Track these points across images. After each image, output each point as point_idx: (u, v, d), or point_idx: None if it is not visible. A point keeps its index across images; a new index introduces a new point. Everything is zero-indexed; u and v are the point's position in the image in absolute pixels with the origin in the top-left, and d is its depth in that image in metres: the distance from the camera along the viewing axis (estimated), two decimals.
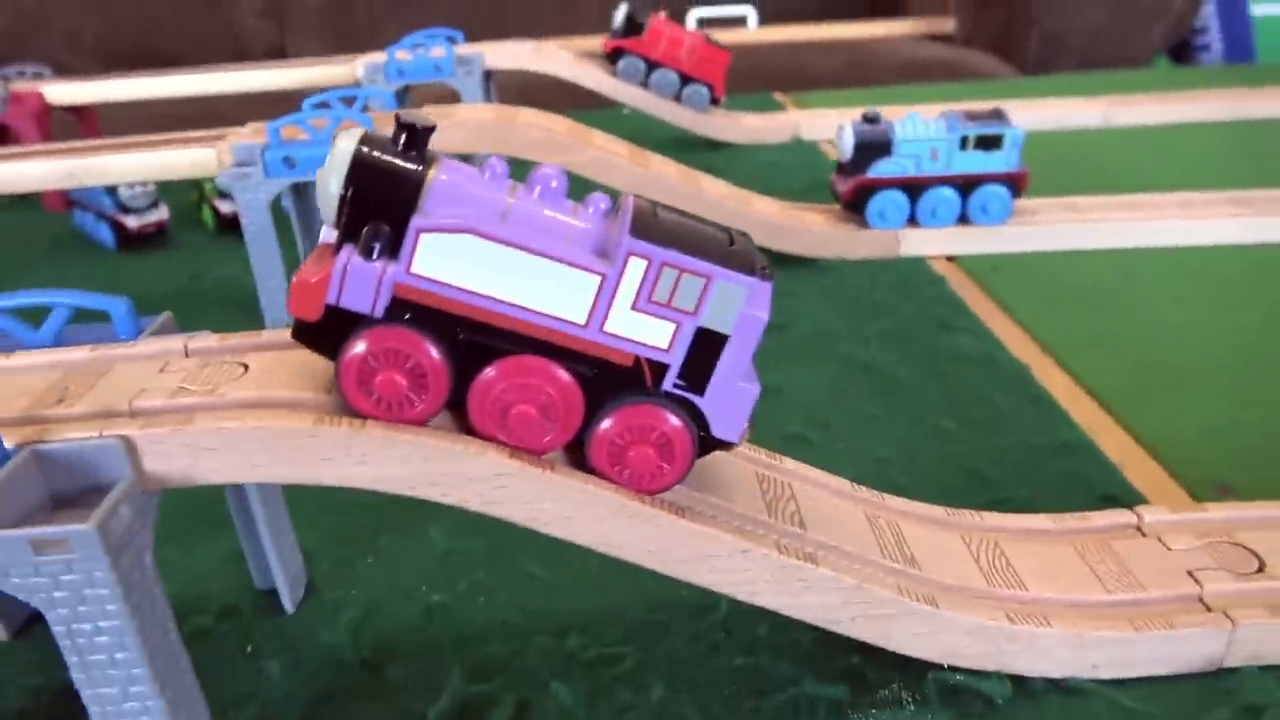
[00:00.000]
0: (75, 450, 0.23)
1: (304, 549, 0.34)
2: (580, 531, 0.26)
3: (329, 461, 0.25)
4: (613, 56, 0.84)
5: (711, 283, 0.24)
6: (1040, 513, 0.33)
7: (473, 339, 0.25)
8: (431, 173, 0.25)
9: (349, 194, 0.24)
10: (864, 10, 1.94)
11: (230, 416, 0.24)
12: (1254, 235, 0.59)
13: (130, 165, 0.53)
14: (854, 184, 0.56)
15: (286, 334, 0.26)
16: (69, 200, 0.73)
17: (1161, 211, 0.59)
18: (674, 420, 0.25)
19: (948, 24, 1.79)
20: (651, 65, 0.84)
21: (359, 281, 0.24)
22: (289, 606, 0.33)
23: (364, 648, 0.31)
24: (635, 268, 0.24)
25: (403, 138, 0.24)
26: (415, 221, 0.24)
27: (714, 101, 0.85)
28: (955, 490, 0.36)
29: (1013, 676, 0.28)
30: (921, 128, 0.56)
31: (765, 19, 1.85)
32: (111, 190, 0.69)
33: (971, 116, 0.56)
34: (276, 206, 0.53)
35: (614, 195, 0.26)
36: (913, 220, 0.57)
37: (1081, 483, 0.37)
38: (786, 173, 0.78)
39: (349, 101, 0.56)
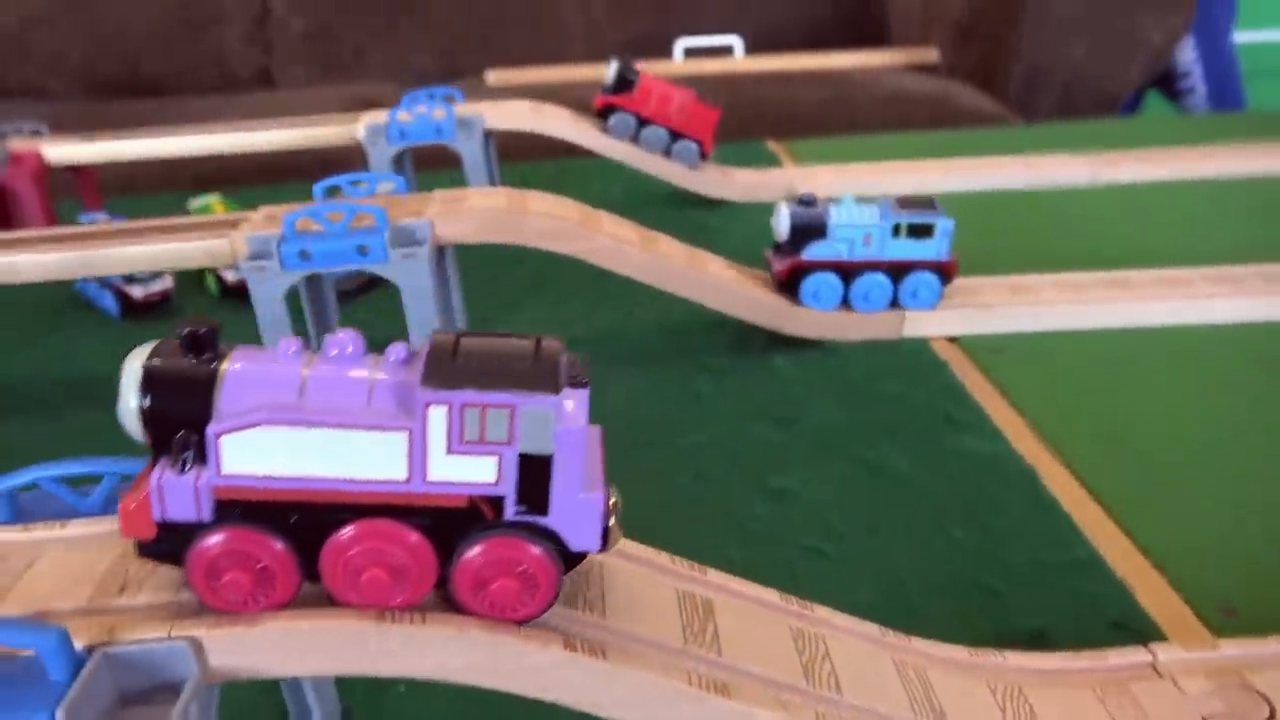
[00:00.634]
0: (145, 652, 0.24)
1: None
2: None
3: (391, 657, 0.25)
4: (604, 113, 0.85)
5: (516, 411, 0.24)
6: (1055, 640, 0.34)
7: (307, 519, 0.25)
8: (223, 367, 0.25)
9: (147, 409, 0.25)
10: (847, 40, 1.96)
11: (296, 615, 0.25)
12: (1246, 314, 0.60)
13: (143, 255, 0.52)
14: (789, 264, 0.57)
15: None
16: None
17: (1155, 290, 0.61)
18: (531, 548, 0.25)
19: (931, 54, 1.81)
20: (642, 121, 0.84)
21: (176, 495, 0.24)
22: None
23: None
24: (436, 416, 0.24)
25: (189, 345, 0.25)
26: (210, 428, 0.24)
27: (703, 156, 0.86)
28: (970, 613, 0.37)
29: None
30: (856, 213, 0.57)
31: (751, 48, 1.87)
32: None
33: (905, 204, 0.57)
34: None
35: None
36: (846, 303, 0.58)
37: (1093, 605, 0.37)
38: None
39: (360, 184, 0.59)
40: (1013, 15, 1.55)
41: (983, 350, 0.57)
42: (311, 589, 0.26)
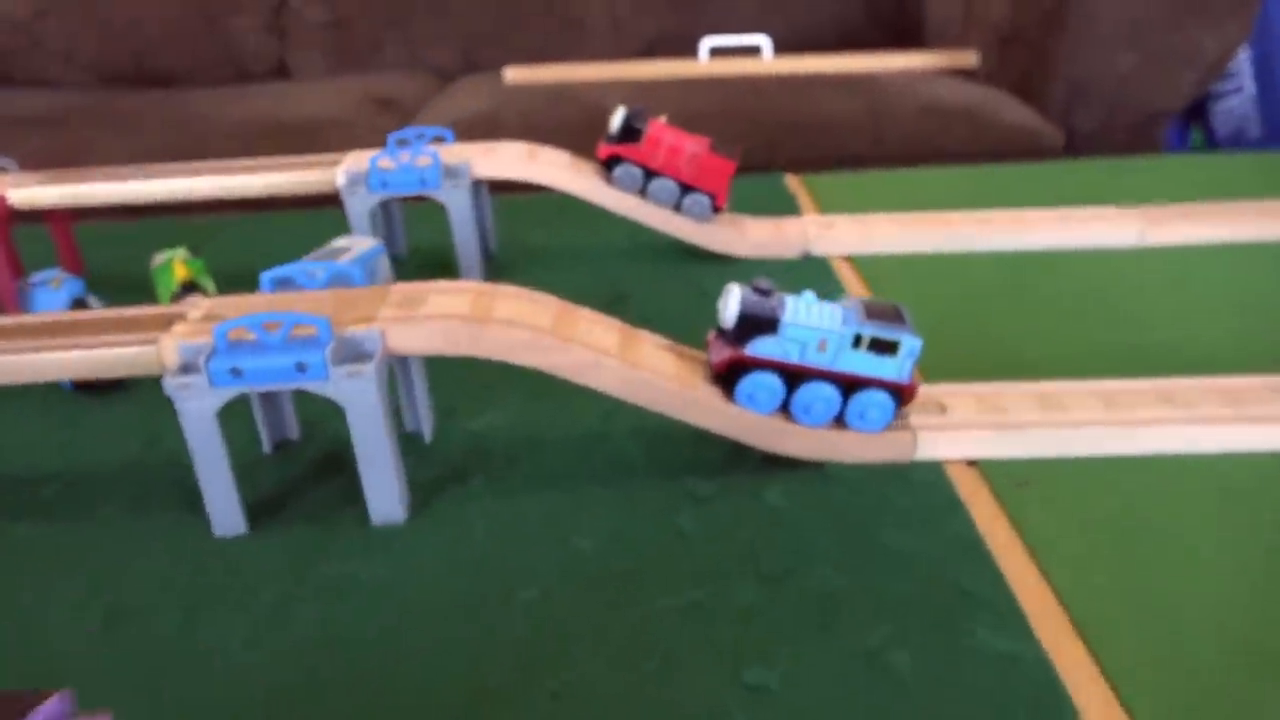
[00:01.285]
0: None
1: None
2: None
3: None
4: (609, 163, 0.77)
5: None
6: None
7: None
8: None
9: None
10: (882, 40, 1.85)
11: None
12: None
13: (65, 362, 0.47)
14: (730, 357, 0.50)
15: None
16: None
17: (1206, 413, 0.53)
18: None
19: (970, 58, 1.70)
20: (650, 173, 0.77)
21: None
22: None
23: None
24: None
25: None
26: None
27: (715, 210, 0.79)
28: None
29: None
30: (815, 314, 0.50)
31: (780, 48, 1.77)
32: None
33: (872, 312, 0.50)
34: None
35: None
36: (785, 410, 0.51)
37: None
38: None
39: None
40: (1055, 24, 1.45)
41: (1007, 482, 0.50)
42: None
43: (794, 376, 0.50)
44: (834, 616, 0.41)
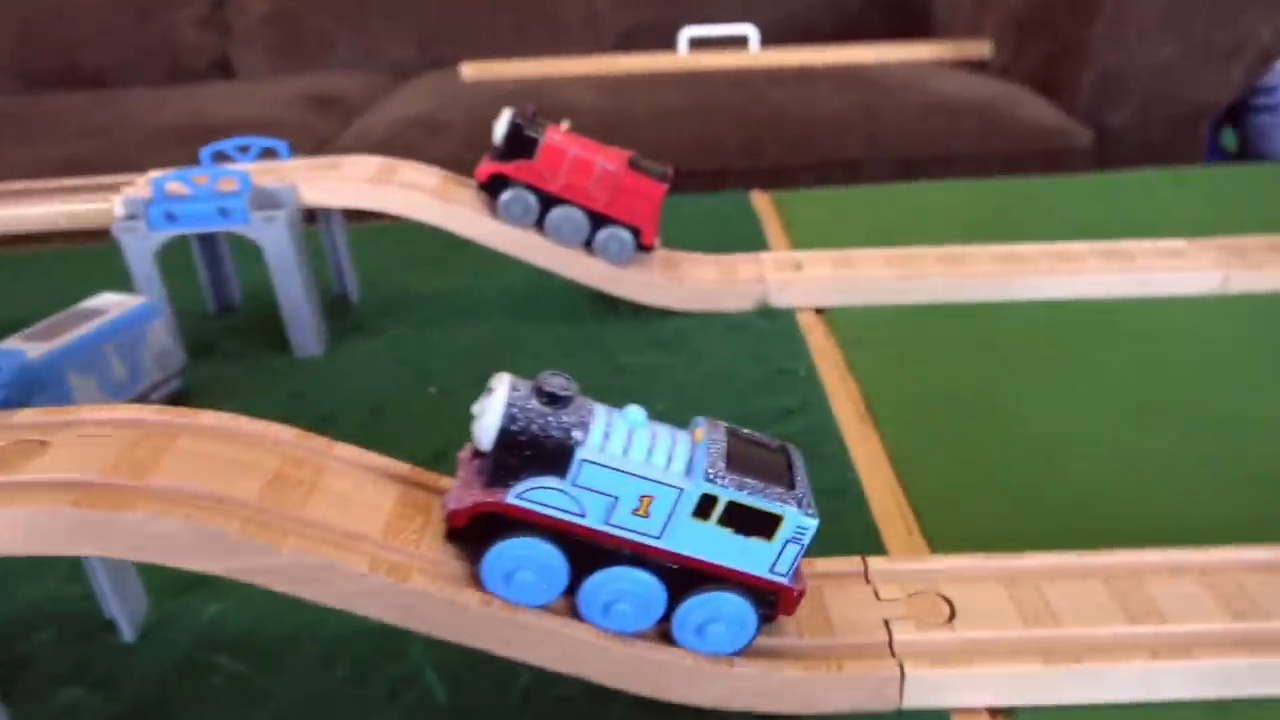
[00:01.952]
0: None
1: None
2: None
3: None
4: (492, 186, 0.55)
5: None
6: None
7: None
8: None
9: None
10: (884, 30, 1.62)
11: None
12: None
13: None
14: (478, 504, 0.28)
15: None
16: None
17: None
18: None
19: (982, 48, 1.46)
20: (548, 199, 0.55)
21: None
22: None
23: None
24: None
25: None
26: None
27: (642, 248, 0.56)
28: None
29: None
30: (638, 446, 0.28)
31: (768, 39, 1.54)
32: None
33: (742, 458, 0.28)
34: None
35: None
36: (570, 595, 0.29)
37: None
38: (736, 385, 0.49)
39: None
40: (1084, 9, 1.21)
41: None
42: None
43: (588, 552, 0.28)
44: None
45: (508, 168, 0.54)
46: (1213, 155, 1.38)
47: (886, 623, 0.30)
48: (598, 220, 0.55)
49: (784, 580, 0.28)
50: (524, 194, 0.54)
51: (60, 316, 0.46)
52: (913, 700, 0.29)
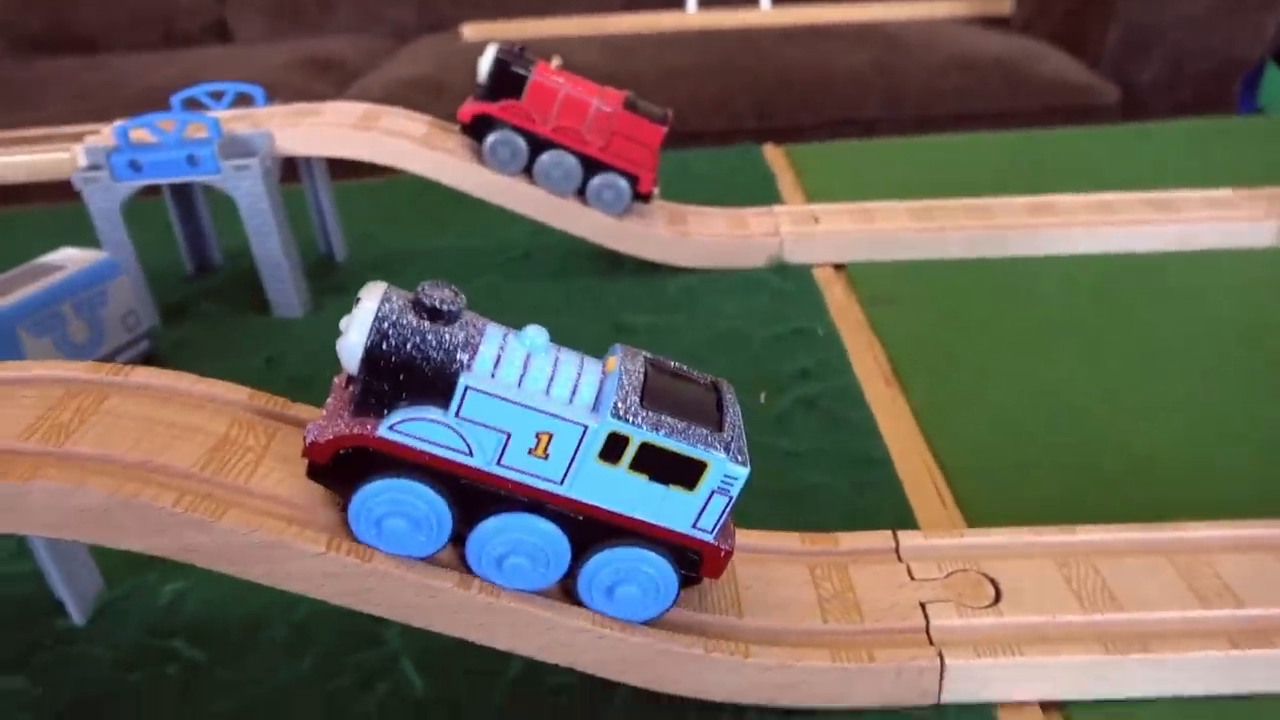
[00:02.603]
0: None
1: None
2: None
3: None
4: (476, 128, 0.51)
5: None
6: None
7: None
8: None
9: None
10: None
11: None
12: None
13: None
14: (343, 436, 0.23)
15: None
16: None
17: None
18: None
19: (1003, 3, 1.41)
20: (537, 143, 0.51)
21: None
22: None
23: None
24: None
25: None
26: None
27: (640, 197, 0.52)
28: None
29: None
30: (537, 376, 0.24)
31: None
32: None
33: (660, 393, 0.24)
34: None
35: None
36: (457, 546, 0.25)
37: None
38: (750, 347, 0.45)
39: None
40: None
41: None
42: None
43: (477, 496, 0.24)
44: None
45: (493, 108, 0.50)
46: (1245, 112, 1.32)
47: (923, 606, 0.27)
48: (591, 166, 0.51)
49: (708, 538, 0.24)
50: (511, 136, 0.50)
51: (13, 273, 0.42)
52: (953, 694, 0.26)
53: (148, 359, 0.46)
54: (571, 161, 0.50)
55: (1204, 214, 0.53)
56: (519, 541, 0.24)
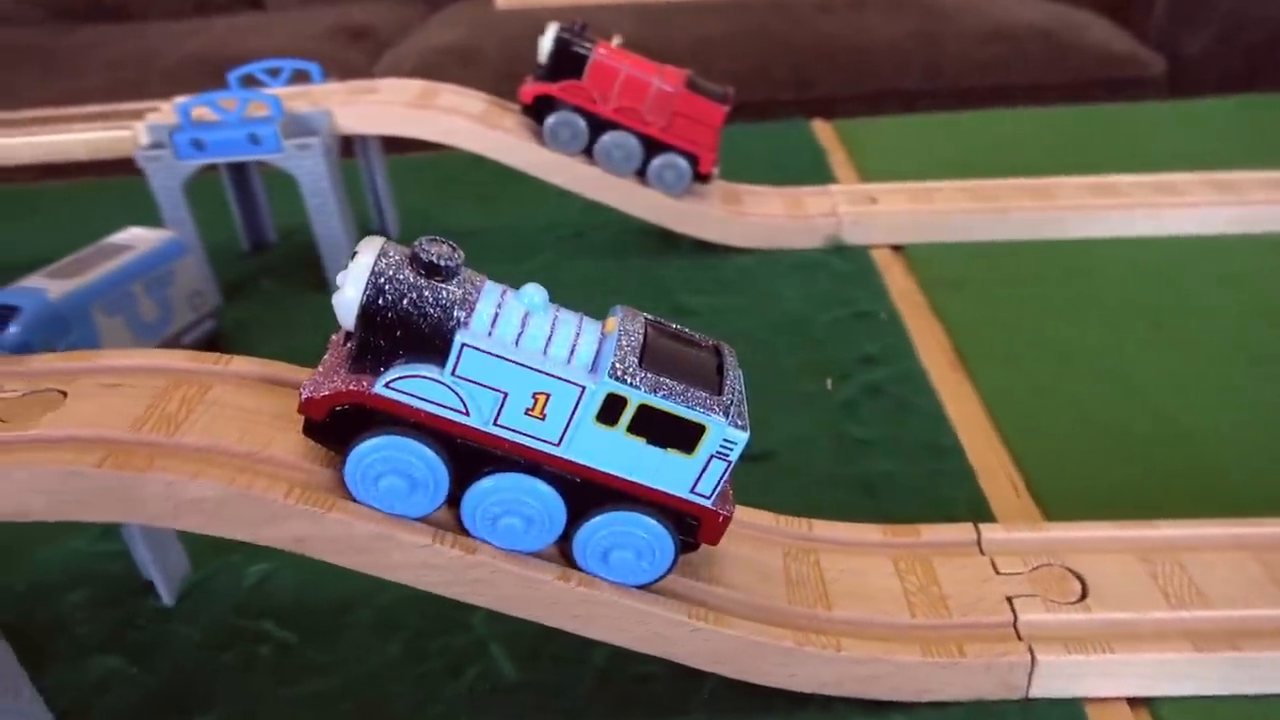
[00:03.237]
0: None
1: None
2: None
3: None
4: (537, 109, 0.51)
5: None
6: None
7: None
8: None
9: None
10: None
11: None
12: None
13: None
14: (340, 392, 0.23)
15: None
16: None
17: None
18: None
19: None
20: (598, 123, 0.51)
21: None
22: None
23: None
24: None
25: None
26: None
27: (700, 178, 0.52)
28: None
29: None
30: (534, 335, 0.23)
31: None
32: None
33: (659, 355, 0.24)
34: None
35: None
36: (453, 507, 0.24)
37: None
38: (811, 330, 0.45)
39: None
40: None
41: None
42: None
43: (473, 456, 0.23)
44: None
45: (554, 89, 0.50)
46: None
47: (1009, 601, 0.27)
48: (652, 146, 0.50)
49: (707, 502, 0.24)
50: (572, 117, 0.50)
51: (84, 253, 0.43)
52: (1042, 689, 0.26)
53: (213, 338, 0.46)
54: (633, 142, 0.50)
55: (1267, 196, 0.52)
56: (515, 502, 0.24)
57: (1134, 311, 0.45)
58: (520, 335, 0.22)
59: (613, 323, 0.24)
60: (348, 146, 0.55)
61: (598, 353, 0.23)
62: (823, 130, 0.69)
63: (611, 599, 0.24)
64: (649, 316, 0.24)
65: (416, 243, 0.23)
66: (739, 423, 0.23)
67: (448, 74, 1.25)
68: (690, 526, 0.24)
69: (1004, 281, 0.48)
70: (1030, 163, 0.59)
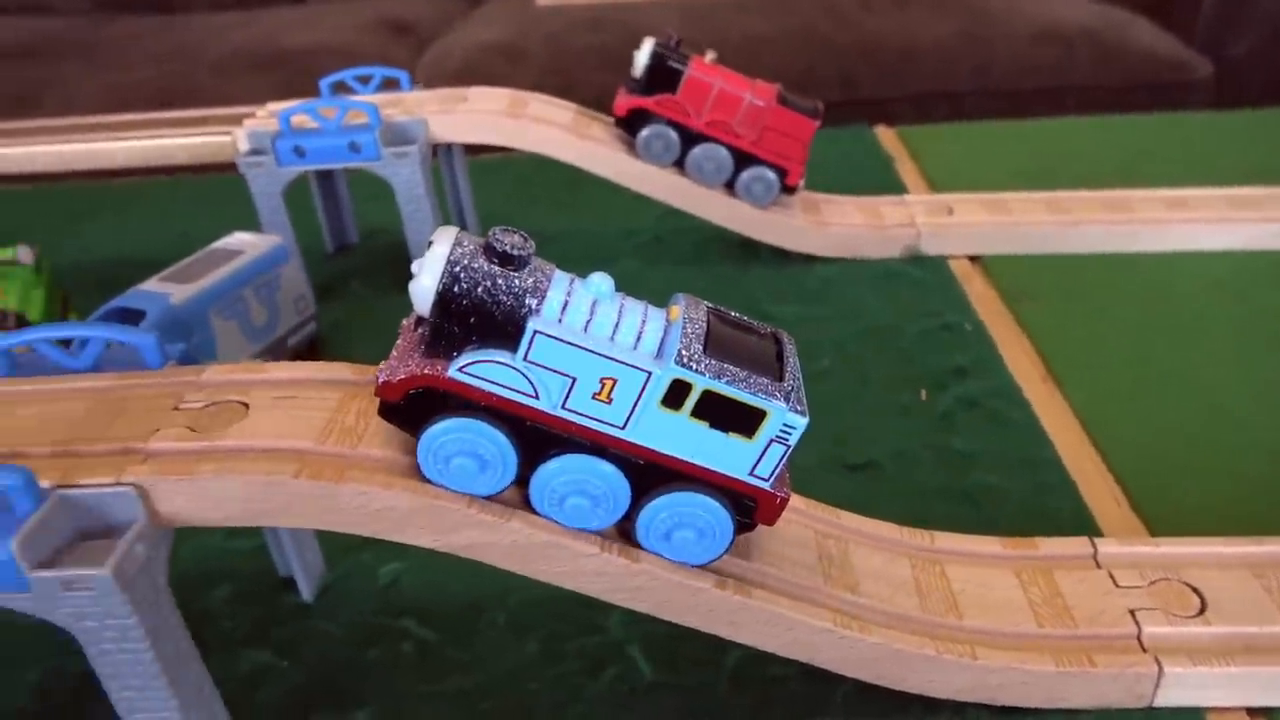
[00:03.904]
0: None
1: None
2: None
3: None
4: (630, 121, 0.53)
5: None
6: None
7: None
8: None
9: None
10: None
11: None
12: None
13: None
14: (414, 377, 0.24)
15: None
16: None
17: None
18: None
19: None
20: (690, 136, 0.52)
21: None
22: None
23: None
24: None
25: None
26: None
27: (787, 189, 0.53)
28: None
29: None
30: (603, 322, 0.24)
31: None
32: None
33: (721, 342, 0.25)
34: None
35: None
36: (521, 487, 0.26)
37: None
38: (900, 342, 0.46)
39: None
40: None
41: None
42: None
43: (541, 438, 0.25)
44: None
45: (649, 102, 0.51)
46: None
47: (1132, 613, 0.28)
48: (742, 159, 0.52)
49: (765, 485, 0.25)
50: (665, 130, 0.51)
51: (196, 257, 0.44)
52: (1166, 698, 0.27)
53: (314, 341, 0.48)
54: (724, 154, 0.51)
55: None
56: (581, 482, 0.25)
57: (1212, 325, 0.46)
58: (589, 322, 0.24)
59: (676, 310, 0.25)
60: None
61: (663, 339, 0.24)
62: (886, 136, 0.71)
63: (764, 608, 0.26)
64: (711, 305, 0.25)
65: (490, 233, 0.24)
66: (798, 408, 0.24)
67: (494, 71, 1.27)
68: (748, 508, 0.25)
69: (1083, 295, 0.49)
70: (1096, 172, 0.60)
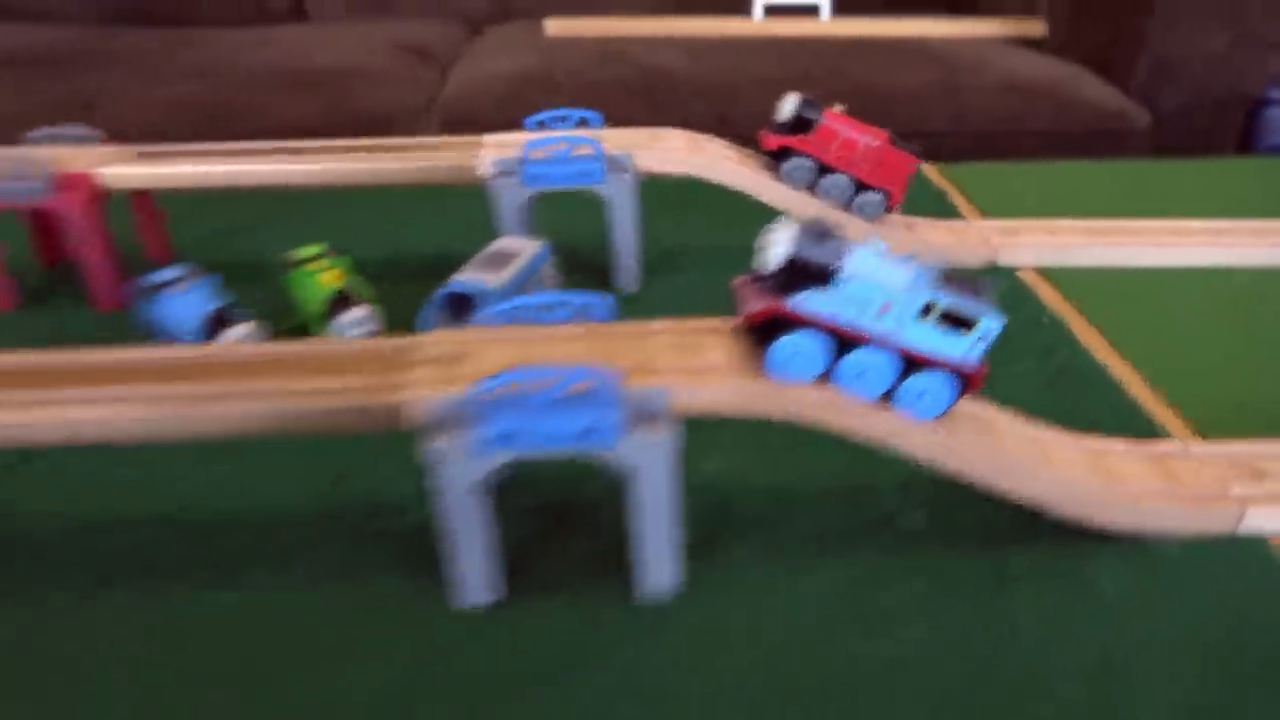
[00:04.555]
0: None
1: None
2: None
3: None
4: (777, 155, 0.69)
5: None
6: None
7: None
8: None
9: None
10: (941, 2, 1.77)
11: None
12: None
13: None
14: (768, 309, 0.41)
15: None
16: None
17: None
18: None
19: (1037, 27, 1.63)
20: (822, 168, 0.69)
21: None
22: None
23: None
24: None
25: None
26: None
27: (889, 209, 0.71)
28: None
29: None
30: (881, 270, 0.41)
31: (837, 8, 1.68)
32: None
33: (950, 279, 0.42)
34: None
35: None
36: (824, 376, 0.42)
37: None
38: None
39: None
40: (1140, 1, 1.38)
41: None
42: None
43: (844, 342, 0.41)
44: None
45: (793, 141, 0.68)
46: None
47: (1223, 480, 0.46)
48: (859, 186, 0.69)
49: (973, 366, 0.42)
50: (804, 163, 0.68)
51: (486, 254, 0.58)
52: (1245, 528, 0.45)
53: None
54: (845, 182, 0.69)
55: None
56: (868, 365, 0.41)
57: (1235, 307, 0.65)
58: (873, 270, 0.41)
59: (920, 260, 0.41)
60: None
61: (914, 279, 0.41)
62: (929, 171, 0.89)
63: (1033, 468, 0.42)
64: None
65: (808, 220, 0.41)
66: (997, 316, 0.41)
67: (531, 100, 1.41)
68: (964, 381, 0.42)
69: (1132, 294, 0.68)
70: (1092, 207, 0.80)
